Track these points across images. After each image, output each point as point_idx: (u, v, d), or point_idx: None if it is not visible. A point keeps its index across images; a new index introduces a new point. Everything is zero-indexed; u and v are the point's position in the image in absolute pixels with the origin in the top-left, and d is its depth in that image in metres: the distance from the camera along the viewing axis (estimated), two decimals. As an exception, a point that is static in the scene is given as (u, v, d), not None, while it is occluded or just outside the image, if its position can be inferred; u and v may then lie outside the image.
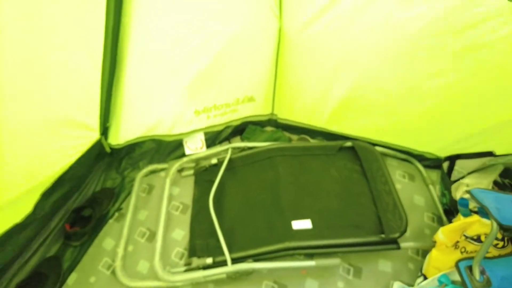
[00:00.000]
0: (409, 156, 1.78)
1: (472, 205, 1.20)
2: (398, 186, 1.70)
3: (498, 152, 1.46)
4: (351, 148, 1.71)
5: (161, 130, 1.63)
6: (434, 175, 1.73)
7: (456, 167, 1.57)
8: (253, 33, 1.47)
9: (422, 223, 1.57)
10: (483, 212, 1.07)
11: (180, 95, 1.53)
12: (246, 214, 1.52)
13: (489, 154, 1.48)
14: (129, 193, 1.65)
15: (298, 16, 1.40)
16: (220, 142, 1.85)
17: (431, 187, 1.68)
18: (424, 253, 1.43)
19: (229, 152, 1.72)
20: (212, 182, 1.59)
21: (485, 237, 1.13)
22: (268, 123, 1.92)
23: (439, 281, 1.20)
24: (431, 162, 1.74)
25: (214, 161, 1.73)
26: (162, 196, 1.61)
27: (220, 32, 1.40)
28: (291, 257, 1.40)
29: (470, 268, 0.99)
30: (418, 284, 1.27)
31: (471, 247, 1.16)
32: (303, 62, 1.55)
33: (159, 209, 1.57)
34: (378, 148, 1.72)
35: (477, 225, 1.12)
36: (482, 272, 0.98)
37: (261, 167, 1.67)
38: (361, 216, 1.45)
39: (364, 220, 1.44)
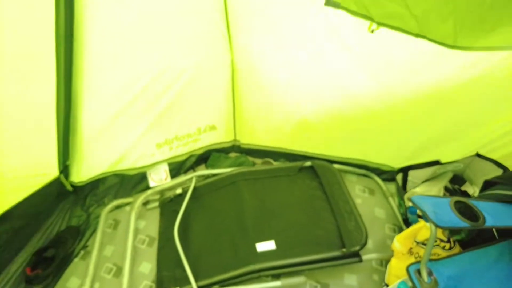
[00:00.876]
0: (367, 171, 1.86)
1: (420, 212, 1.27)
2: (358, 201, 1.76)
3: (444, 160, 1.56)
4: (311, 167, 1.78)
5: (124, 165, 1.65)
6: (393, 187, 1.81)
7: (410, 178, 1.65)
8: (210, 66, 1.56)
9: (384, 235, 1.63)
10: (425, 217, 1.14)
11: (141, 129, 1.57)
12: (211, 241, 1.54)
13: (436, 162, 1.57)
14: (94, 230, 1.64)
15: (246, 49, 1.50)
16: (185, 172, 1.88)
17: (390, 199, 1.76)
18: (387, 263, 1.48)
19: (194, 180, 1.75)
20: (178, 212, 1.60)
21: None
22: (232, 149, 1.98)
23: (400, 286, 1.25)
24: (389, 175, 1.82)
25: (179, 191, 1.75)
26: (128, 231, 1.60)
27: (176, 68, 1.47)
28: (258, 279, 1.42)
29: (419, 271, 1.04)
30: (381, 293, 1.31)
31: (423, 251, 1.22)
32: (257, 90, 1.64)
33: (125, 244, 1.56)
34: (336, 166, 1.80)
35: (424, 230, 1.18)
36: (430, 274, 1.04)
37: (226, 193, 1.71)
38: (323, 232, 1.50)
39: (326, 236, 1.48)
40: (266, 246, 1.45)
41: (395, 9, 1.10)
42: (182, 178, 1.80)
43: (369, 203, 1.76)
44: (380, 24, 1.15)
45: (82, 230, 1.63)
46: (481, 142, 1.45)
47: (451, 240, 1.23)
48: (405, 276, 1.27)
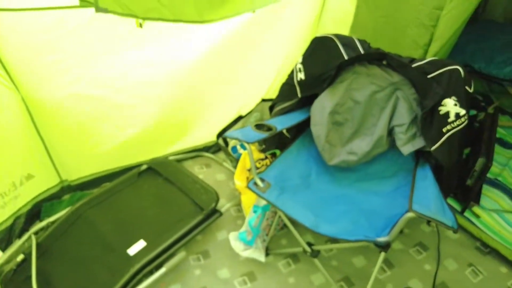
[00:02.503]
0: (198, 152, 2.11)
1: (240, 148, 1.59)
2: (202, 176, 1.98)
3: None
4: (149, 168, 1.89)
5: None
6: (222, 154, 2.12)
7: (228, 139, 1.99)
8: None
9: (231, 189, 1.90)
10: (242, 145, 1.46)
11: None
12: (83, 277, 1.46)
13: (239, 117, 1.95)
14: None
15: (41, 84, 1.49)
16: (19, 236, 1.67)
17: (224, 163, 2.06)
18: (240, 206, 1.76)
19: (33, 238, 1.59)
20: (30, 277, 1.44)
21: (257, 161, 1.53)
22: (63, 192, 1.87)
23: (254, 211, 1.53)
24: (216, 147, 2.13)
25: (20, 257, 1.55)
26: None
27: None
28: (146, 277, 1.45)
29: (254, 182, 1.33)
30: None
31: (255, 174, 1.53)
32: (66, 120, 1.63)
33: None
34: (172, 157, 1.98)
35: (247, 157, 1.50)
36: (262, 180, 1.34)
37: (76, 230, 1.63)
38: (181, 209, 1.65)
39: (184, 210, 1.64)
40: (137, 247, 1.49)
41: (151, 3, 1.34)
42: (17, 244, 1.60)
43: (209, 174, 2.01)
44: (144, 19, 1.37)
45: None
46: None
47: (268, 155, 1.60)
48: (253, 201, 1.57)
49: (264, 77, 2.03)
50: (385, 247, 1.09)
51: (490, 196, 1.83)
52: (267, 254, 1.55)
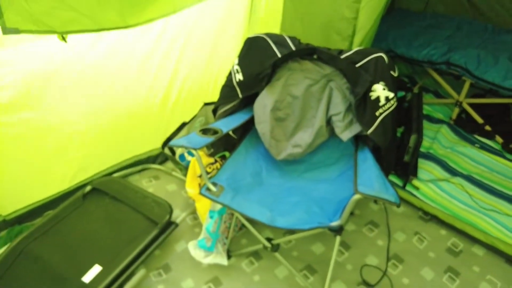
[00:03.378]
0: (143, 164, 2.04)
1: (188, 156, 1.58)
2: (151, 189, 1.93)
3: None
4: (94, 189, 1.79)
5: None
6: (170, 164, 2.08)
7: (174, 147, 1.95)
8: None
9: (183, 198, 1.87)
10: (190, 152, 1.44)
11: None
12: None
13: (183, 124, 1.93)
14: None
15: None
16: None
17: (174, 172, 2.01)
18: (196, 214, 1.74)
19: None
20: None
21: (207, 165, 1.53)
22: (-2, 229, 1.70)
23: (210, 217, 1.52)
24: (162, 156, 2.08)
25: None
26: None
27: None
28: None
29: (207, 188, 1.33)
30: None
31: (207, 180, 1.52)
32: None
33: None
34: (116, 174, 1.90)
35: (196, 163, 1.49)
36: (215, 185, 1.34)
37: (20, 267, 1.50)
38: (133, 226, 1.59)
39: (138, 226, 1.58)
40: (92, 273, 1.41)
41: (70, 14, 1.26)
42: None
43: (159, 186, 1.95)
44: (64, 33, 1.29)
45: None
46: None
47: (217, 159, 1.60)
48: (209, 207, 1.56)
49: (205, 79, 2.02)
50: (338, 230, 1.15)
51: (425, 168, 2.00)
52: (229, 257, 1.56)
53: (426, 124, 2.34)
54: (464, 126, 2.31)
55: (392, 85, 1.29)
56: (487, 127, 2.24)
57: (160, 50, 1.74)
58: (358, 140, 1.45)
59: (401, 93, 2.36)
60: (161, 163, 2.10)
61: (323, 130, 1.42)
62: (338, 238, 1.19)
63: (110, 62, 1.63)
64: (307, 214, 1.28)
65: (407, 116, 2.06)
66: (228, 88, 1.51)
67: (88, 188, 1.79)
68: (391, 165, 1.50)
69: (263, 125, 1.48)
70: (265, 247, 1.40)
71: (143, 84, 1.79)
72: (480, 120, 2.27)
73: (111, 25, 1.32)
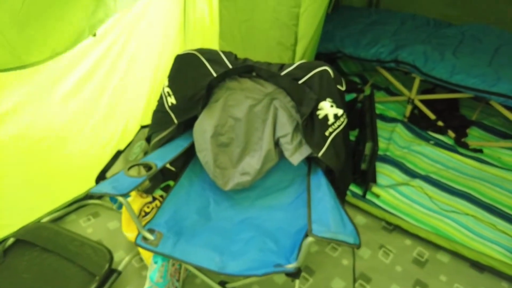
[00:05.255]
0: (80, 202, 1.80)
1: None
2: (90, 230, 1.70)
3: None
4: (18, 241, 1.54)
5: None
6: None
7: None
8: None
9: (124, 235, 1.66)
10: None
11: None
12: None
13: (118, 152, 1.71)
14: None
15: None
16: None
17: (114, 206, 1.79)
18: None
19: None
20: None
21: (145, 205, 1.33)
22: None
23: (155, 263, 1.33)
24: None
25: None
26: None
27: None
28: None
29: (143, 237, 1.14)
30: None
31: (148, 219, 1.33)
32: None
33: None
34: (46, 219, 1.65)
35: (132, 204, 1.29)
36: (152, 232, 1.15)
37: None
38: (69, 283, 1.37)
39: (74, 283, 1.36)
40: None
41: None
42: None
43: (99, 225, 1.73)
44: None
45: None
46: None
47: (157, 196, 1.41)
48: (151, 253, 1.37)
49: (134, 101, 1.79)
50: (296, 274, 1.01)
51: (384, 173, 1.93)
52: (182, 302, 1.38)
53: (380, 124, 2.28)
54: (417, 123, 2.27)
55: (340, 101, 1.16)
56: (440, 123, 2.22)
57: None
58: (311, 160, 1.33)
59: (352, 95, 2.29)
60: (100, 197, 1.86)
61: (272, 154, 1.28)
62: (297, 282, 1.05)
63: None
64: (261, 253, 1.13)
65: (361, 118, 1.98)
66: (160, 114, 1.33)
67: (11, 240, 1.53)
68: (347, 184, 1.39)
69: (205, 153, 1.31)
70: (218, 294, 1.24)
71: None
72: (432, 116, 2.24)
73: (6, 66, 1.08)
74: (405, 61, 2.09)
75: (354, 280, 1.46)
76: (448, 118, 2.25)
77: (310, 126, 1.16)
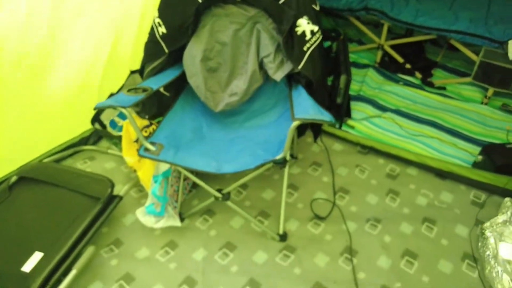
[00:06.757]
0: (75, 147, 1.89)
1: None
2: (83, 166, 1.80)
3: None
4: (22, 178, 1.63)
5: None
6: (105, 142, 1.95)
7: (105, 122, 1.83)
8: None
9: (124, 173, 1.77)
10: (121, 115, 1.36)
11: None
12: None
13: (112, 95, 1.80)
14: None
15: None
16: None
17: (109, 151, 1.89)
18: (140, 186, 1.67)
19: None
20: None
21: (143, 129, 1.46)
22: None
23: (155, 181, 1.46)
24: (95, 135, 1.94)
25: None
26: None
27: None
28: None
29: (145, 148, 1.26)
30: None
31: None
32: None
33: None
34: (45, 160, 1.74)
35: (129, 128, 1.41)
36: (153, 144, 1.28)
37: None
38: (75, 208, 1.47)
39: (79, 207, 1.47)
40: (32, 261, 1.29)
41: None
42: None
43: (96, 166, 1.83)
44: None
45: None
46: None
47: (153, 122, 1.54)
48: (152, 173, 1.50)
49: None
50: (283, 162, 1.17)
51: (358, 109, 2.11)
52: (182, 220, 1.52)
53: (353, 70, 2.45)
54: (387, 68, 2.46)
55: (315, 18, 1.31)
56: (407, 65, 2.42)
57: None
58: (292, 81, 1.47)
59: (327, 43, 2.44)
60: (94, 143, 1.96)
61: (257, 75, 1.41)
62: (286, 173, 1.21)
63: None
64: (252, 157, 1.28)
65: (335, 65, 2.14)
66: (152, 44, 1.43)
67: (14, 178, 1.62)
68: (324, 100, 1.54)
69: (195, 78, 1.43)
70: (216, 198, 1.38)
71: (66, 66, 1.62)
72: (400, 59, 2.43)
73: None
74: (374, 7, 2.26)
75: (334, 193, 1.64)
76: (415, 61, 2.44)
77: (290, 43, 1.30)
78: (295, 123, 1.06)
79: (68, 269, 1.30)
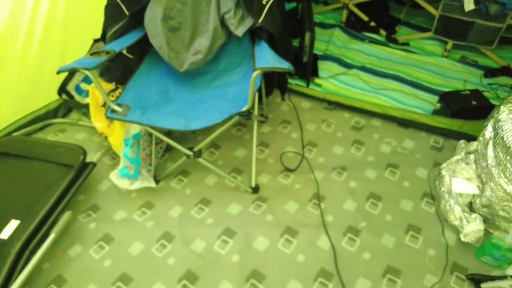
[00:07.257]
0: (44, 121, 1.87)
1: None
2: (54, 139, 1.79)
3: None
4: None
5: None
6: (75, 114, 1.93)
7: (73, 93, 1.81)
8: None
9: (96, 143, 1.78)
10: (86, 80, 1.36)
11: None
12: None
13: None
14: None
15: None
16: None
17: (80, 122, 1.88)
18: (113, 154, 1.68)
19: None
20: None
21: (109, 93, 1.46)
22: None
23: (126, 145, 1.48)
24: (64, 108, 1.92)
25: None
26: None
27: None
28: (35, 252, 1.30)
29: (112, 110, 1.28)
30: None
31: (112, 108, 1.46)
32: None
33: None
34: (14, 134, 1.73)
35: (95, 92, 1.41)
36: (120, 105, 1.29)
37: None
38: (48, 176, 1.48)
39: (53, 176, 1.48)
40: (9, 228, 1.31)
41: None
42: None
43: (68, 138, 1.82)
44: None
45: None
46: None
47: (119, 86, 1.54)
48: (122, 136, 1.52)
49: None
50: (248, 114, 1.21)
51: (324, 68, 2.16)
52: (157, 182, 1.56)
53: (320, 30, 2.49)
54: (353, 27, 2.50)
55: (272, -29, 1.32)
56: (372, 23, 2.46)
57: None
58: (255, 38, 1.49)
59: (292, 4, 2.44)
60: (64, 116, 1.94)
61: (219, 31, 1.43)
62: (255, 127, 1.26)
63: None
64: (220, 113, 1.31)
65: (301, 25, 2.15)
66: (111, 7, 1.41)
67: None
68: (288, 54, 1.57)
69: (157, 38, 1.43)
70: (188, 156, 1.42)
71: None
72: (365, 18, 2.47)
73: None
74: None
75: (303, 147, 1.71)
76: (380, 19, 2.49)
77: (249, -3, 1.31)
78: (256, 73, 1.10)
79: (46, 234, 1.33)
